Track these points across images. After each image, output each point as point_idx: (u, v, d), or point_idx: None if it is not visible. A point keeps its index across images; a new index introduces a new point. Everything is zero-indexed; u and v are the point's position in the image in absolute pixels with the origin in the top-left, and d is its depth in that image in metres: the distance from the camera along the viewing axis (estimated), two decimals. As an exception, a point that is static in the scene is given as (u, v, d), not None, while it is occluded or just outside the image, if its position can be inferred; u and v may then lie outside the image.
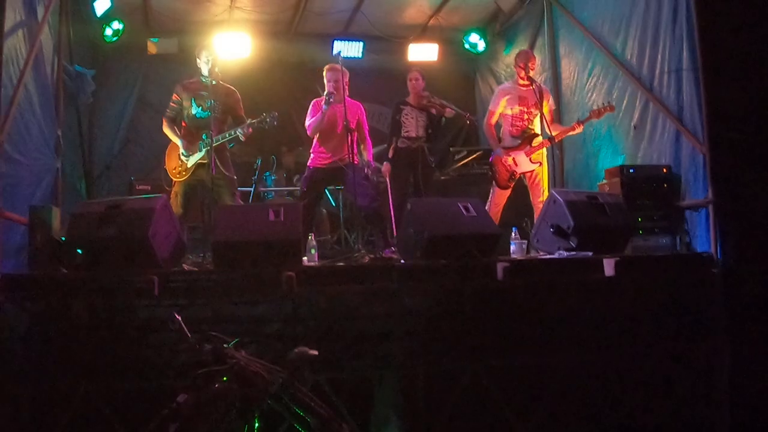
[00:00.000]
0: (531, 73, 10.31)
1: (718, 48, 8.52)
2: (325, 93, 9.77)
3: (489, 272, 7.12)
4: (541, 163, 10.11)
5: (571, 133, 10.08)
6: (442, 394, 6.67)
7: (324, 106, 9.72)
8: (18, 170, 8.26)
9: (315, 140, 10.10)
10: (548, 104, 10.35)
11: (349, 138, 9.34)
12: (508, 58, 13.74)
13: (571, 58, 11.84)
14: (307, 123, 10.09)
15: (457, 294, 6.90)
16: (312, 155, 10.11)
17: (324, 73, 10.08)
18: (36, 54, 8.95)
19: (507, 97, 10.30)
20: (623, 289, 7.32)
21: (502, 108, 10.27)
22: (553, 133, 10.01)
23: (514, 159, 10.02)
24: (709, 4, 8.58)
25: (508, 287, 7.07)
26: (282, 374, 4.65)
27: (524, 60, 10.35)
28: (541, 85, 10.41)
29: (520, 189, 10.27)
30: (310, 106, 10.15)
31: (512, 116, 10.25)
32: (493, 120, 10.34)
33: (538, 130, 10.28)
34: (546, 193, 9.87)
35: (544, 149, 10.13)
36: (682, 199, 9.04)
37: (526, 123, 10.25)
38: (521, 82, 10.35)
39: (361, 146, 10.05)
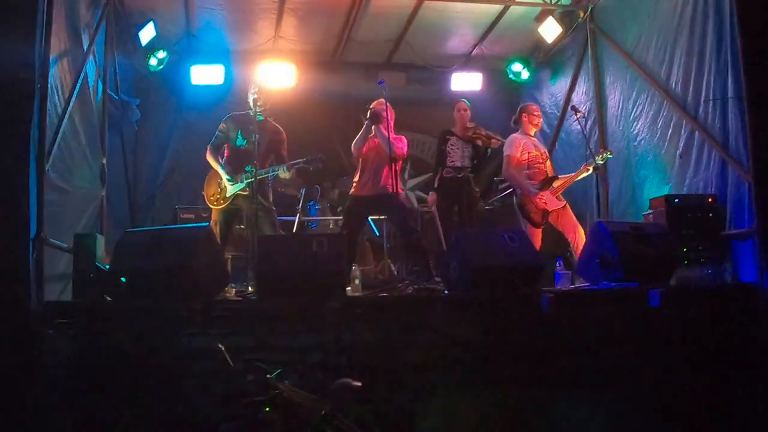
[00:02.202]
0: (537, 122, 10.56)
1: (763, 76, 8.44)
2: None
3: (533, 303, 7.07)
4: (565, 202, 10.11)
5: (584, 174, 10.10)
6: (485, 426, 6.61)
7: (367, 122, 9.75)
8: (63, 199, 8.32)
9: (357, 169, 10.06)
10: (548, 163, 10.51)
11: (393, 168, 9.32)
12: (553, 87, 13.73)
13: (615, 87, 11.77)
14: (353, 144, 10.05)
15: (501, 325, 6.85)
16: (354, 184, 10.06)
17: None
18: (81, 83, 9.03)
19: (523, 142, 10.33)
20: (669, 320, 7.23)
21: (519, 154, 10.25)
22: (572, 174, 10.17)
23: (544, 199, 9.99)
24: (754, 32, 8.50)
25: (553, 318, 7.01)
26: (325, 405, 4.63)
27: (529, 112, 10.51)
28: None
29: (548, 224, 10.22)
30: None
31: (529, 160, 10.27)
32: (514, 165, 10.26)
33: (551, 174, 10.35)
34: (578, 224, 9.92)
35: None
36: (727, 228, 8.94)
37: (543, 166, 10.32)
38: (530, 132, 10.49)
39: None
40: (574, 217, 10.04)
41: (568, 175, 10.22)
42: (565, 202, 10.12)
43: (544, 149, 10.49)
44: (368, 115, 9.71)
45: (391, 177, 9.38)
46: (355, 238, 10.19)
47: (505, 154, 10.37)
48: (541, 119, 10.47)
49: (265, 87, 9.92)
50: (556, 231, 10.10)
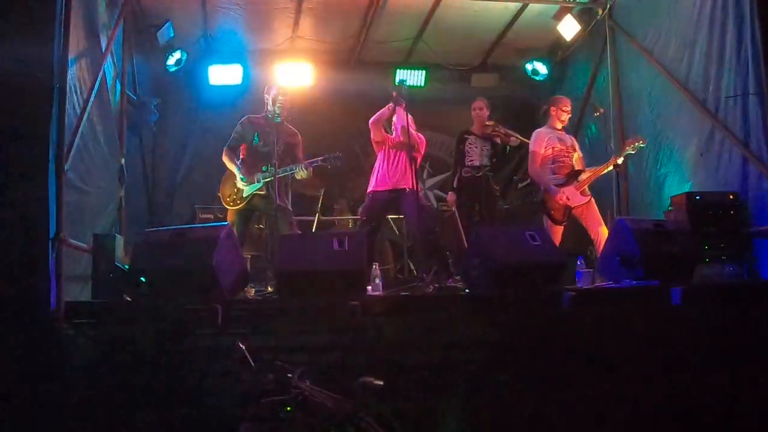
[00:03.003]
0: (565, 117, 10.41)
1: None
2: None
3: (555, 301, 7.05)
4: (590, 196, 10.05)
5: (611, 167, 9.98)
6: (507, 425, 6.57)
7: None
8: (82, 199, 8.32)
9: (375, 166, 10.06)
10: (577, 153, 10.41)
11: (412, 164, 9.30)
12: (573, 85, 13.71)
13: (635, 84, 11.72)
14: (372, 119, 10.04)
15: (523, 323, 6.82)
16: (372, 181, 10.05)
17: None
18: (100, 84, 9.03)
19: (547, 137, 10.28)
20: (690, 318, 7.19)
21: (544, 149, 10.20)
22: (598, 167, 10.08)
23: (566, 194, 9.93)
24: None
25: (574, 317, 6.98)
26: (346, 404, 4.61)
27: (558, 105, 10.40)
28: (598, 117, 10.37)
29: (572, 220, 10.17)
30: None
31: (554, 155, 10.21)
32: (539, 162, 10.22)
33: (578, 167, 10.27)
34: (602, 221, 9.87)
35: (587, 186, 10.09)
36: (749, 226, 8.90)
37: (569, 160, 10.24)
38: (557, 126, 10.41)
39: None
40: (599, 214, 9.99)
41: (593, 168, 10.16)
42: (590, 197, 10.07)
43: (571, 142, 10.40)
44: (393, 97, 9.73)
45: (409, 173, 9.35)
46: (375, 235, 10.18)
47: (529, 150, 10.37)
48: (569, 114, 10.37)
49: (289, 90, 9.90)
50: (579, 228, 10.04)
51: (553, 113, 10.41)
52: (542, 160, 10.20)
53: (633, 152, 9.91)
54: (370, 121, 10.00)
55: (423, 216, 9.71)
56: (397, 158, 9.86)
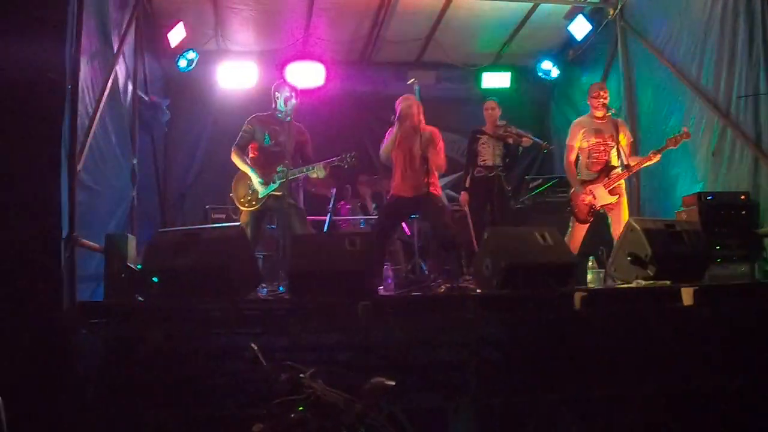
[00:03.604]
0: (605, 103, 10.12)
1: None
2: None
3: (566, 302, 7.04)
4: (621, 195, 9.91)
5: (648, 164, 9.71)
6: (518, 425, 6.58)
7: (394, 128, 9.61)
8: (94, 199, 8.36)
9: (394, 170, 9.90)
10: (625, 136, 10.10)
11: (428, 166, 9.24)
12: (585, 85, 13.67)
13: (646, 84, 11.75)
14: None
15: (534, 324, 6.82)
16: (394, 183, 9.92)
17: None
18: (112, 84, 9.07)
19: (583, 130, 10.13)
20: (701, 318, 7.18)
21: (579, 142, 10.10)
22: (631, 164, 9.87)
23: (593, 193, 9.86)
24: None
25: (585, 317, 6.97)
26: (358, 405, 4.61)
27: (597, 91, 10.20)
28: (618, 118, 10.21)
29: (596, 218, 10.08)
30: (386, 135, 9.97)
31: (589, 149, 10.06)
32: (573, 156, 10.18)
33: (615, 162, 10.06)
34: None
35: (623, 181, 9.95)
36: (760, 226, 8.89)
37: (603, 154, 10.03)
38: (597, 114, 10.17)
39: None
40: (627, 215, 9.82)
41: (637, 158, 10.00)
42: (620, 195, 9.92)
43: (611, 133, 10.07)
44: (396, 117, 9.63)
45: (426, 175, 9.29)
46: (389, 236, 10.17)
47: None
48: (600, 100, 10.07)
49: (298, 88, 9.89)
50: (591, 227, 10.00)
51: (589, 103, 10.27)
52: (576, 154, 10.18)
53: (675, 147, 9.63)
54: (381, 152, 9.89)
55: (442, 216, 9.66)
56: (412, 162, 9.66)
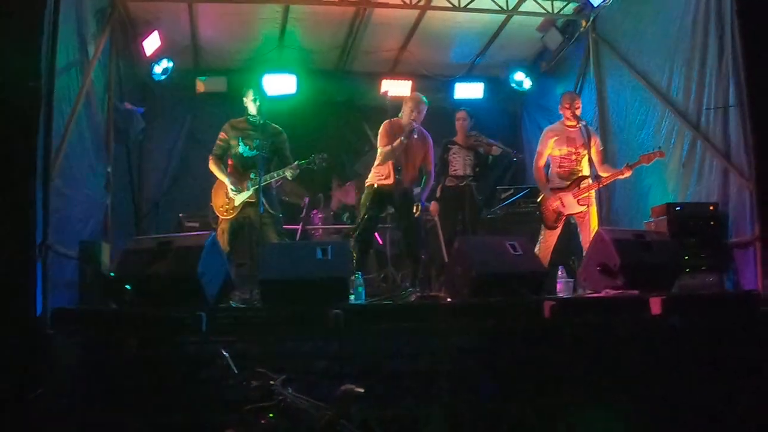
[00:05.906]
0: (577, 113, 10.11)
1: (764, 83, 8.48)
2: (409, 129, 9.60)
3: (536, 311, 7.10)
4: (589, 205, 9.93)
5: (619, 177, 9.74)
6: (489, 432, 6.65)
7: (404, 140, 9.55)
8: (68, 206, 8.36)
9: (379, 161, 9.85)
10: (596, 146, 10.13)
11: (422, 174, 9.34)
12: (557, 96, 13.75)
13: (618, 95, 11.79)
14: (383, 146, 9.81)
15: (504, 332, 6.88)
16: (375, 175, 9.86)
17: (409, 104, 9.93)
18: (87, 92, 9.08)
19: (555, 138, 10.16)
20: (670, 328, 7.25)
21: (550, 149, 10.14)
22: (603, 175, 9.92)
23: (561, 200, 9.91)
24: (755, 40, 8.55)
25: (555, 326, 7.04)
26: (329, 411, 4.67)
27: (569, 101, 10.21)
28: (588, 126, 10.23)
29: (567, 228, 10.16)
30: (383, 128, 9.95)
31: (560, 157, 10.10)
32: (542, 162, 10.24)
33: (586, 171, 10.11)
34: None
35: (593, 192, 9.97)
36: (729, 236, 8.97)
37: (574, 164, 10.08)
38: (568, 123, 10.18)
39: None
40: (597, 224, 9.90)
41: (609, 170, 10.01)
42: (589, 205, 9.94)
43: (583, 141, 10.02)
44: (406, 133, 9.57)
45: (414, 179, 9.34)
46: (373, 231, 10.23)
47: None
48: (571, 109, 10.08)
49: (264, 93, 9.93)
50: (561, 238, 10.06)
51: (561, 112, 10.28)
52: (546, 160, 10.23)
53: (648, 164, 9.66)
54: (383, 150, 9.79)
55: (416, 226, 9.71)
56: (405, 161, 9.73)
